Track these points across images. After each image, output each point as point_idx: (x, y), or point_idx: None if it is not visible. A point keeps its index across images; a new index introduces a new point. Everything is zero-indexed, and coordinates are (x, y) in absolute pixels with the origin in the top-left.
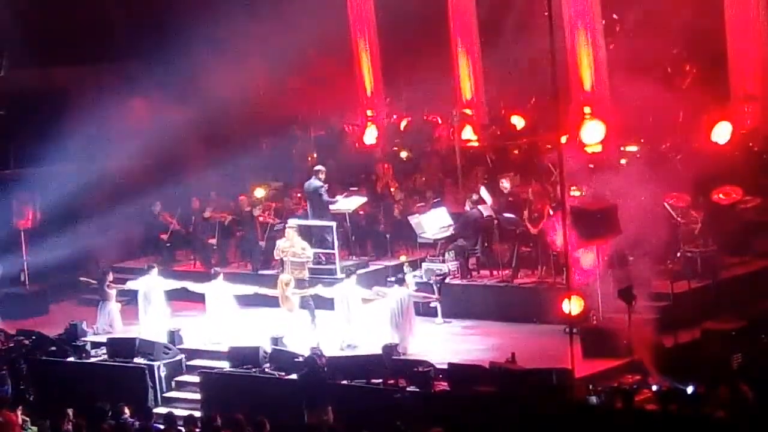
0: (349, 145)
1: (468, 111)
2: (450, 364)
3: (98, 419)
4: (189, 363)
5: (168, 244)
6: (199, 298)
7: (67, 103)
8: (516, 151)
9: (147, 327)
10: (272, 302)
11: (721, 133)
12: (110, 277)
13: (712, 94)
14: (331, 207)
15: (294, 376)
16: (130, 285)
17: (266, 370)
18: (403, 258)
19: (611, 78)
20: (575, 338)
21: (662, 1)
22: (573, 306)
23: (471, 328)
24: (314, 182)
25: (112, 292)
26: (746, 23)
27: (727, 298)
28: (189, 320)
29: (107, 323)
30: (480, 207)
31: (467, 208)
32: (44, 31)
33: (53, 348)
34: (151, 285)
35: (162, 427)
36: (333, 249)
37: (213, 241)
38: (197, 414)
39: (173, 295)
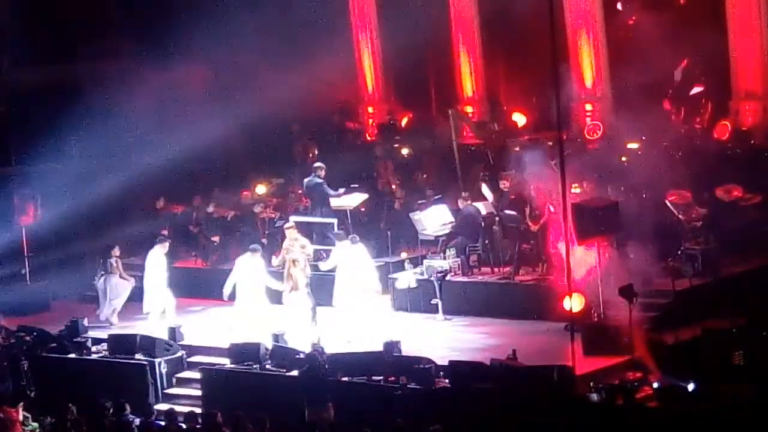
0: (350, 142)
1: (469, 109)
2: (451, 361)
3: (99, 416)
4: (190, 360)
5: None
6: (199, 294)
7: (68, 100)
8: (517, 149)
9: (151, 303)
10: (274, 298)
11: (723, 129)
12: (116, 251)
13: (714, 91)
14: (332, 203)
15: (295, 373)
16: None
17: (267, 366)
18: (404, 255)
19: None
20: (576, 335)
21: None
22: (574, 303)
23: (472, 325)
24: (314, 179)
25: (118, 266)
26: (747, 21)
27: (728, 295)
28: (191, 316)
29: (113, 296)
30: (477, 204)
31: (461, 206)
32: (46, 27)
33: (54, 344)
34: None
35: (163, 423)
36: (334, 246)
37: (216, 239)
38: (198, 410)
39: (176, 293)
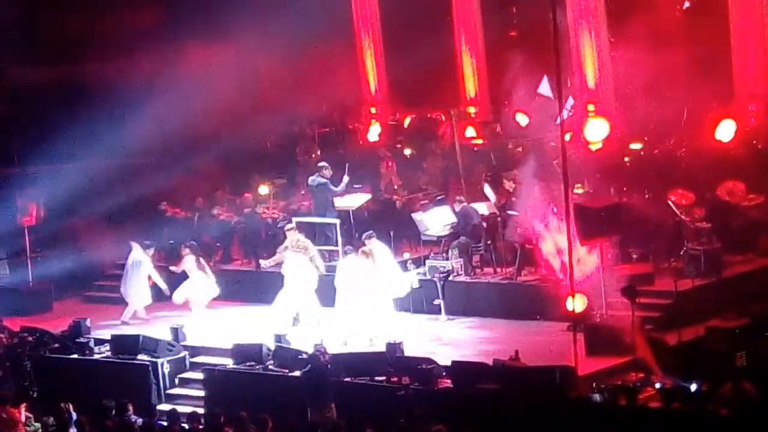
0: (353, 142)
1: (471, 109)
2: (453, 362)
3: (102, 416)
4: (192, 360)
5: (171, 242)
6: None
7: (71, 100)
8: (519, 149)
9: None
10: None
11: (725, 131)
12: (186, 251)
13: (716, 92)
14: (336, 203)
15: (297, 374)
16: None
17: (269, 367)
18: (406, 255)
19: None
20: (579, 336)
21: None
22: (576, 303)
23: (474, 326)
24: (318, 179)
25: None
26: (750, 22)
27: (731, 295)
28: (193, 316)
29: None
30: (478, 204)
31: (456, 209)
32: (49, 28)
33: (57, 345)
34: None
35: (165, 424)
36: (336, 246)
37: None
38: (200, 411)
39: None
